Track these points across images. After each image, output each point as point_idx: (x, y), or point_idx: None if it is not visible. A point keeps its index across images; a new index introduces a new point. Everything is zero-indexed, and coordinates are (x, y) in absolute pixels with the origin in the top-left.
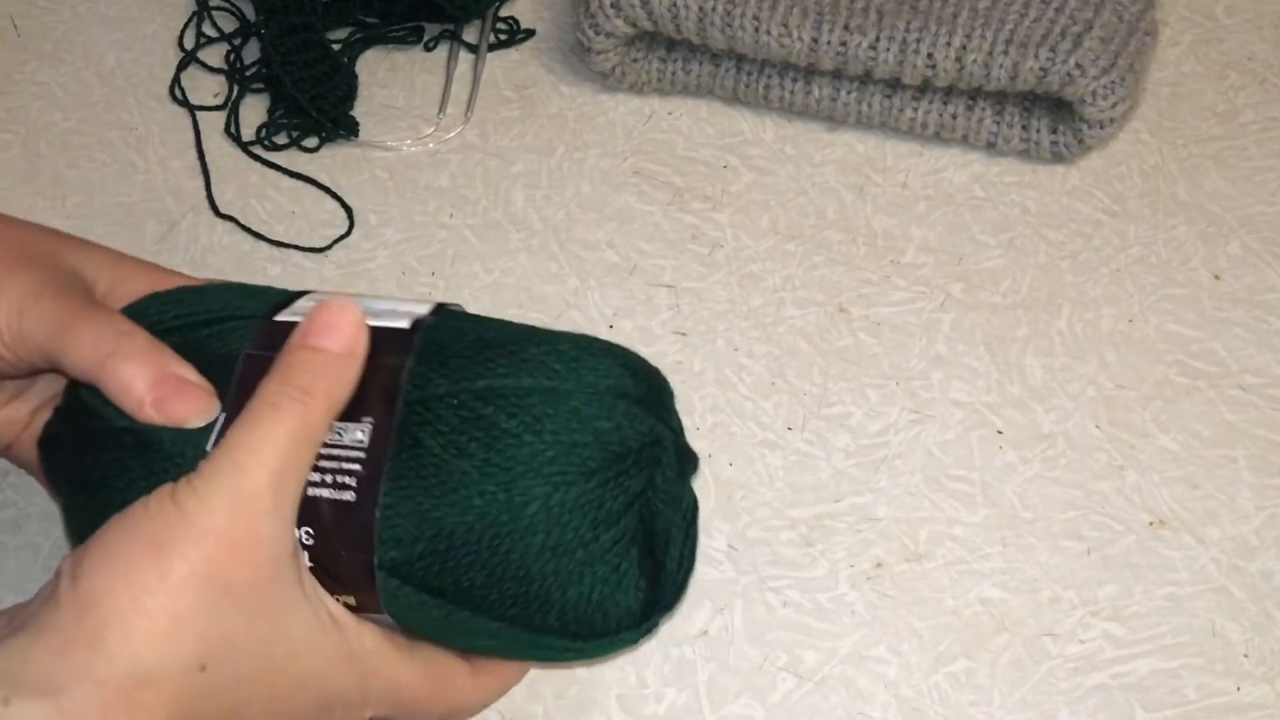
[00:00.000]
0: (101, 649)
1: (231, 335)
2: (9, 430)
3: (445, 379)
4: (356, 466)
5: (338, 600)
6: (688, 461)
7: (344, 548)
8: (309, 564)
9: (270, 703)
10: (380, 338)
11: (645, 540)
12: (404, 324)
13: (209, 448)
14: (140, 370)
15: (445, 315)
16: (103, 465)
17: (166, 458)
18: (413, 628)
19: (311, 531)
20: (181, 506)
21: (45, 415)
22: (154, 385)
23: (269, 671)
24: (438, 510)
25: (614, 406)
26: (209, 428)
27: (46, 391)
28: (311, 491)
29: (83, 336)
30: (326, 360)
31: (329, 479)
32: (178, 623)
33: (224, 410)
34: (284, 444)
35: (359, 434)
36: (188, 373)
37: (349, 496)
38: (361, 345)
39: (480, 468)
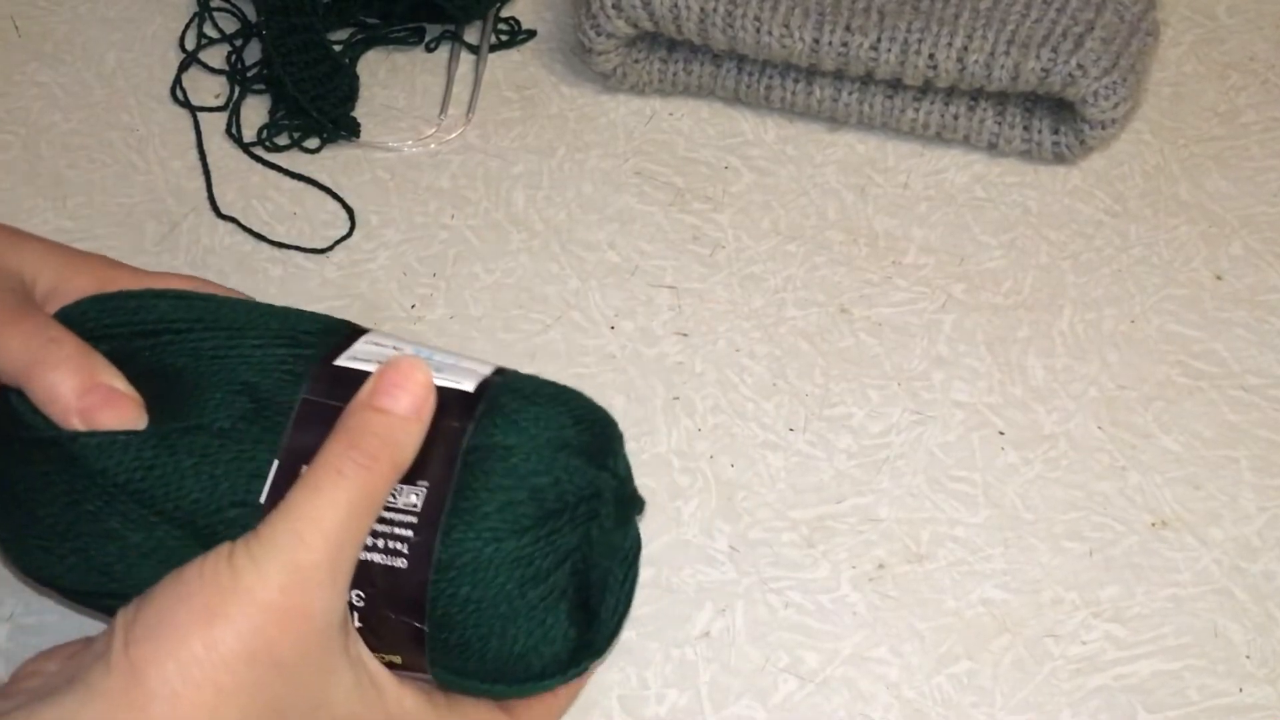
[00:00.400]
0: (146, 718)
1: (167, 349)
2: None
3: None
4: (409, 532)
5: (381, 659)
6: (631, 506)
7: (393, 611)
8: (357, 624)
9: None
10: (443, 398)
11: (578, 592)
12: (468, 386)
13: (262, 499)
14: (67, 378)
15: (508, 377)
16: (28, 477)
17: (90, 475)
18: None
19: (363, 595)
20: (237, 575)
21: None
22: (81, 394)
23: None
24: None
25: (553, 460)
26: (213, 459)
27: None
28: (364, 555)
29: (11, 341)
30: (393, 424)
31: (381, 543)
32: (222, 697)
33: (276, 457)
34: (346, 513)
35: (412, 497)
36: (117, 382)
37: (401, 564)
38: (429, 411)
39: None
